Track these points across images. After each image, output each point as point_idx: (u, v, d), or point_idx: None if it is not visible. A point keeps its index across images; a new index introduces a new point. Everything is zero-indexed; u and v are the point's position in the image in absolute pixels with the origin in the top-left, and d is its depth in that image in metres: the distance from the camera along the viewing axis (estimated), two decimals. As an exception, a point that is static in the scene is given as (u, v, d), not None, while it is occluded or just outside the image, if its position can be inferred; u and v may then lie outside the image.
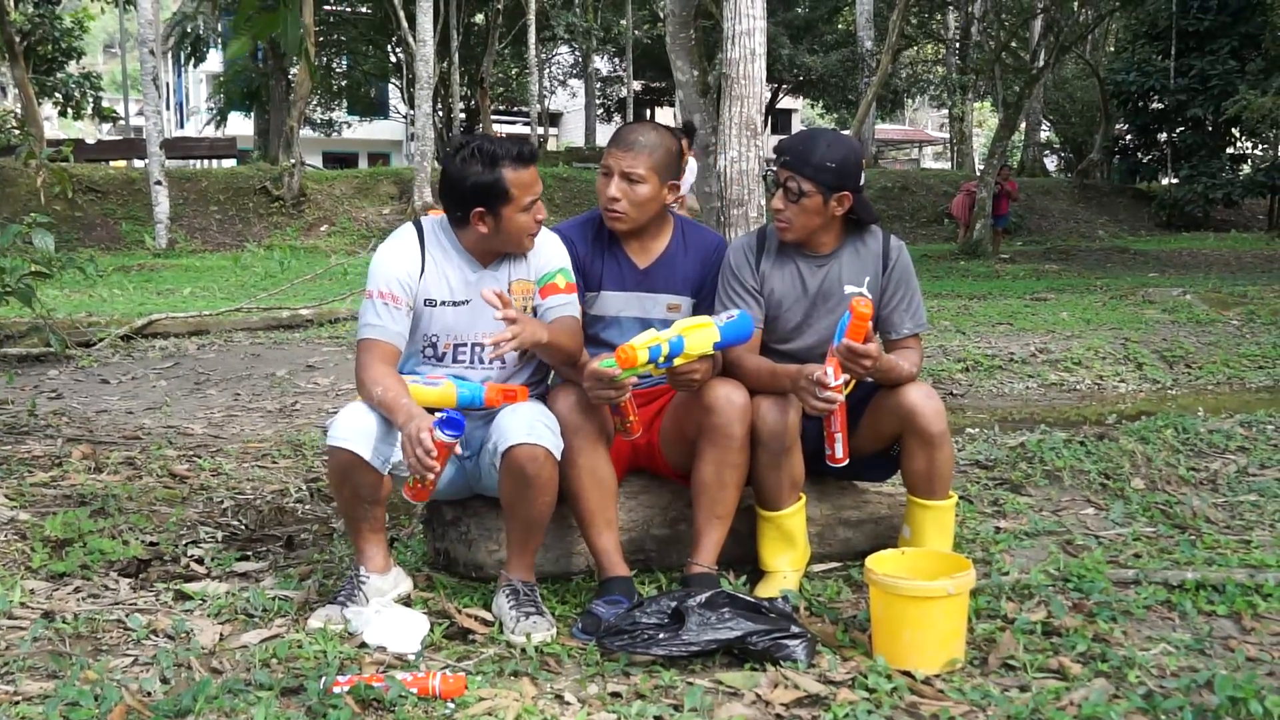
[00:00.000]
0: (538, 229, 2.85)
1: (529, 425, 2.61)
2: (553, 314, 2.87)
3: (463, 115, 26.92)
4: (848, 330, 2.68)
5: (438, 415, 2.52)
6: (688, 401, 2.85)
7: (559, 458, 2.65)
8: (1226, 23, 23.62)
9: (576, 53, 32.06)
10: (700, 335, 2.67)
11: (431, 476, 2.52)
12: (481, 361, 2.88)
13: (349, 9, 29.13)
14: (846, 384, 2.74)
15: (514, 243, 2.83)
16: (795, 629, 2.46)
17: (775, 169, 2.93)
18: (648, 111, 36.78)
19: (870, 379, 2.84)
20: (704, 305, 3.05)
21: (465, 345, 2.88)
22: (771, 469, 2.85)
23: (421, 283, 2.82)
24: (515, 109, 36.73)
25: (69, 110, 25.97)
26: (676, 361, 2.66)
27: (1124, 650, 2.47)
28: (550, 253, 2.93)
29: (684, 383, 2.75)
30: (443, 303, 2.84)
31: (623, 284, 3.05)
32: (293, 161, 20.58)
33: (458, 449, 2.68)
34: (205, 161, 28.32)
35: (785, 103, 35.81)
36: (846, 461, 2.79)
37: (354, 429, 2.61)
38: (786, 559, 2.95)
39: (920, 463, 2.89)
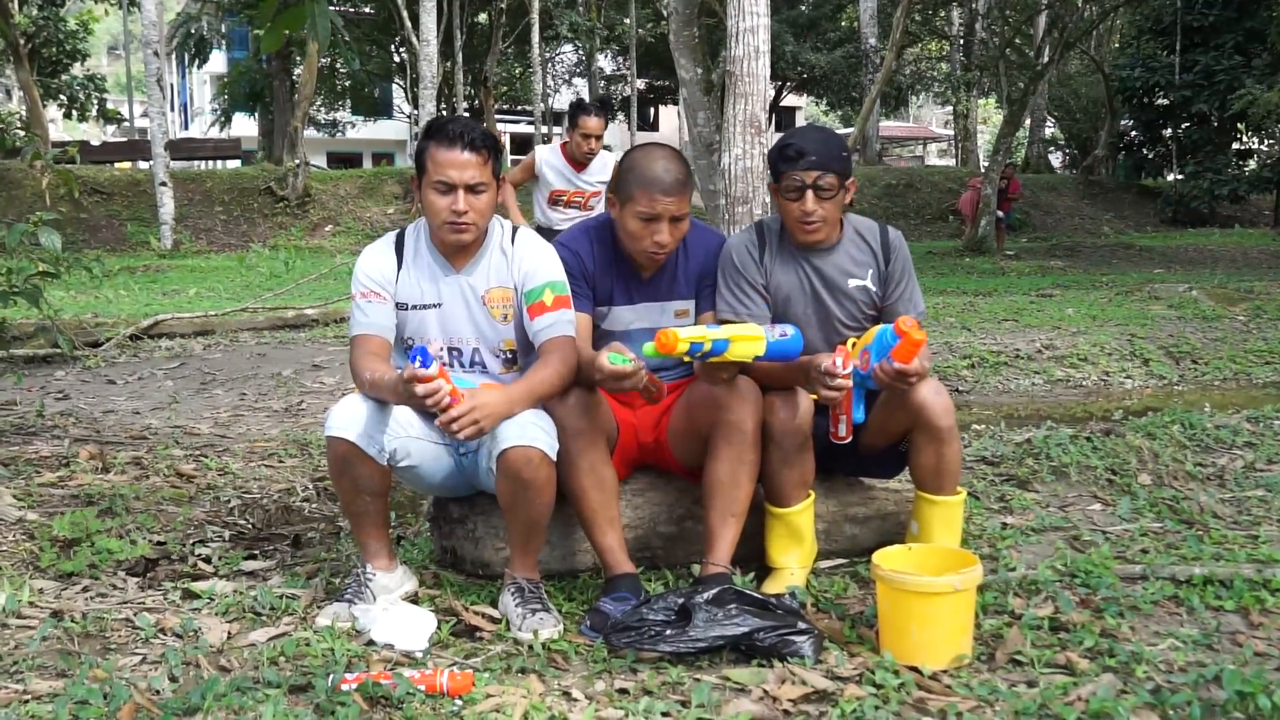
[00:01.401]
0: (453, 221, 2.72)
1: (522, 427, 2.60)
2: (543, 336, 2.79)
3: (467, 114, 26.92)
4: (898, 351, 2.66)
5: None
6: (699, 398, 2.84)
7: (554, 458, 2.64)
8: (1231, 18, 23.56)
9: (580, 51, 32.03)
10: (747, 346, 2.67)
11: (451, 399, 2.48)
12: (462, 365, 2.88)
13: (353, 9, 29.14)
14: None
15: (431, 224, 2.77)
16: (802, 625, 2.46)
17: (798, 174, 2.87)
18: (651, 110, 36.74)
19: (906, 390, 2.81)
20: (703, 302, 3.04)
21: (441, 348, 2.87)
22: (783, 466, 2.85)
23: (397, 286, 2.83)
24: (519, 108, 36.70)
25: (73, 112, 26.06)
26: (716, 360, 2.67)
27: (1131, 645, 2.46)
28: (535, 261, 2.85)
29: (713, 377, 2.77)
30: (414, 306, 2.84)
31: (630, 297, 3.02)
32: (297, 162, 20.61)
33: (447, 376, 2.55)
34: (210, 162, 28.38)
35: (789, 100, 35.75)
36: (849, 439, 2.81)
37: (348, 418, 2.63)
38: (794, 555, 2.95)
39: (929, 458, 2.88)
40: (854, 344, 2.89)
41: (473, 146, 2.71)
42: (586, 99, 6.16)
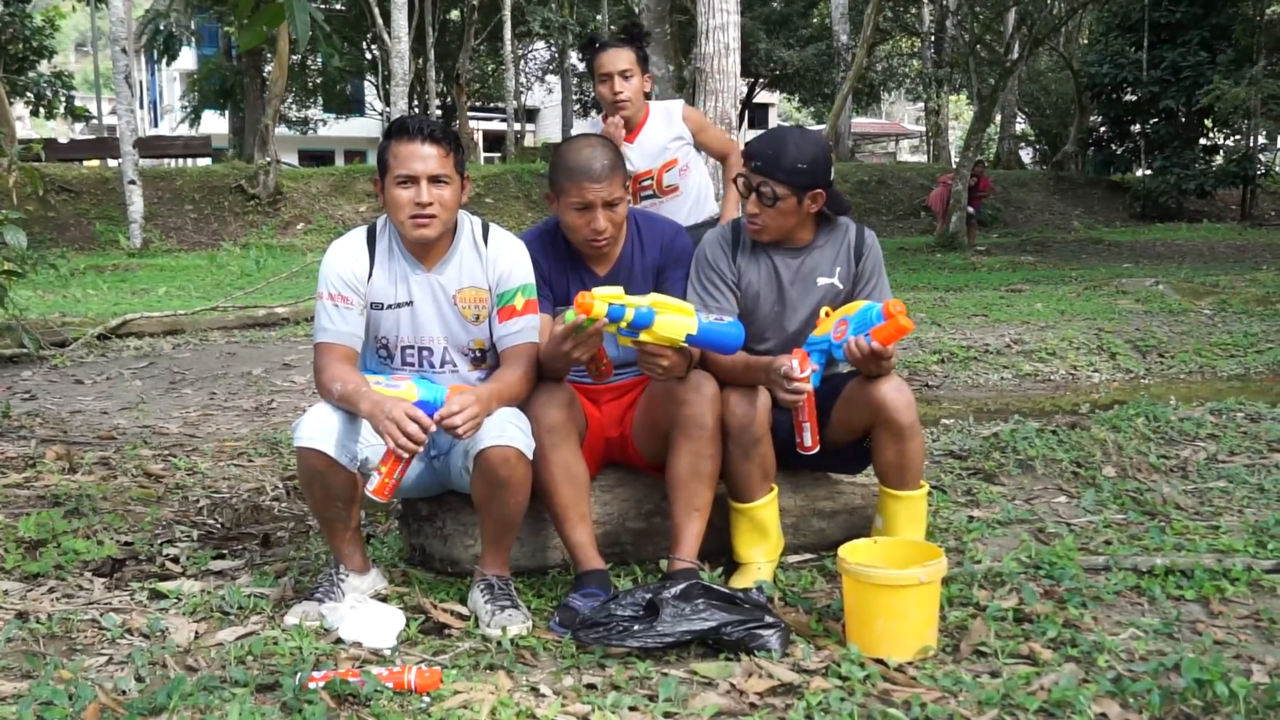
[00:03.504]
0: (417, 214, 2.70)
1: (500, 426, 2.61)
2: (508, 341, 2.81)
3: (439, 112, 26.83)
4: (880, 331, 2.70)
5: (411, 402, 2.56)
6: (659, 393, 2.86)
7: (530, 457, 2.65)
8: (1198, 14, 23.85)
9: (553, 48, 32.00)
10: (675, 320, 2.64)
11: (407, 456, 2.51)
12: (432, 365, 2.87)
13: (323, 6, 29.00)
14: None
15: (395, 221, 2.74)
16: (769, 619, 2.48)
17: (746, 173, 2.93)
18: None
19: (872, 373, 2.85)
20: (664, 291, 3.03)
21: (413, 348, 2.86)
22: (743, 460, 2.87)
23: (369, 285, 2.80)
24: (492, 105, 36.63)
25: (41, 109, 25.73)
26: (643, 336, 2.64)
27: (1094, 635, 2.50)
28: (511, 262, 2.85)
29: (650, 365, 2.70)
30: (387, 306, 2.82)
31: None
32: (268, 159, 20.46)
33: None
34: (179, 160, 28.10)
35: (762, 97, 35.84)
36: (816, 449, 2.81)
37: (319, 428, 2.61)
38: (760, 550, 2.97)
39: (891, 454, 2.91)
40: (827, 312, 2.94)
41: (433, 139, 2.71)
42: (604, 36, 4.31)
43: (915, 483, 2.95)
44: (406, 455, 2.51)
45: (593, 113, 31.42)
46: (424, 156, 2.69)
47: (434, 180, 2.70)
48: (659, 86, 7.95)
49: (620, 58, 3.90)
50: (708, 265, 3.01)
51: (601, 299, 2.58)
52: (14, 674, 2.35)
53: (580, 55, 4.28)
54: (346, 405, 2.64)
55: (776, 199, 2.89)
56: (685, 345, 2.70)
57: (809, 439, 2.79)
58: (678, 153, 4.09)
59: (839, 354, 2.83)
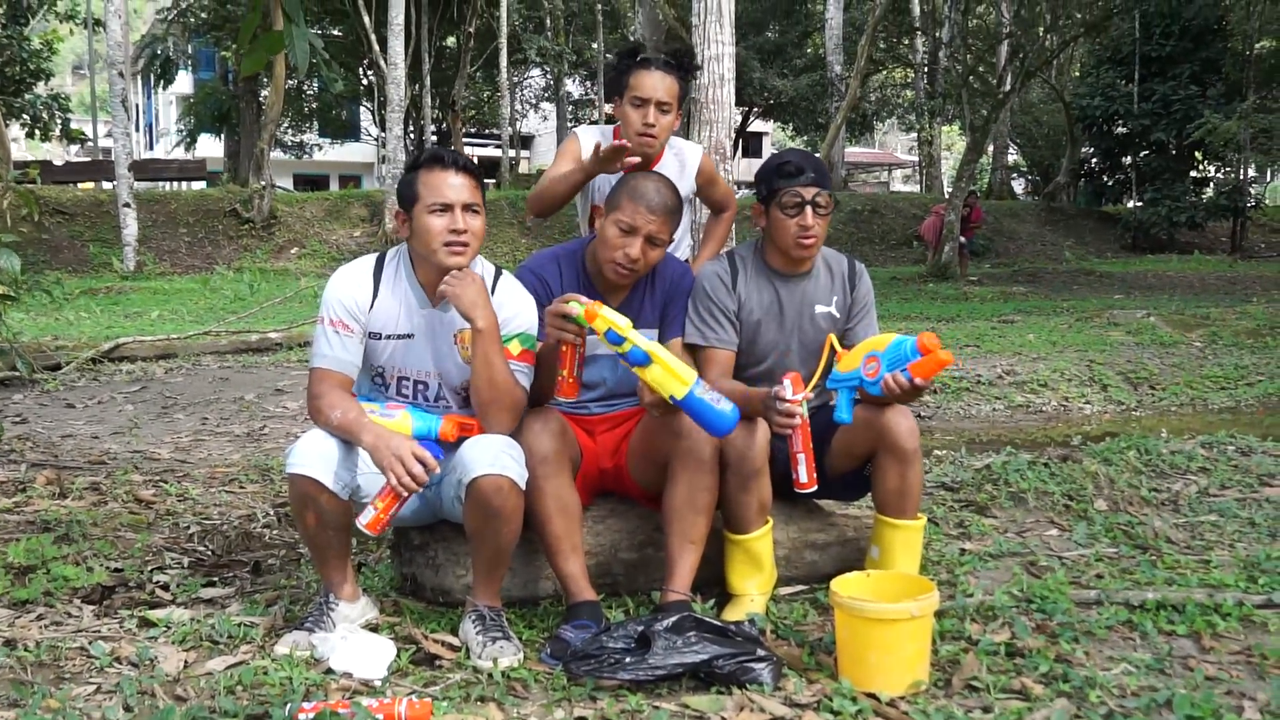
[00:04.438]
0: (453, 240, 2.69)
1: (493, 455, 2.60)
2: None
3: (434, 138, 26.91)
4: (920, 366, 2.70)
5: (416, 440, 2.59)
6: (657, 425, 2.86)
7: (524, 487, 2.64)
8: (1188, 48, 24.08)
9: (548, 76, 32.16)
10: (667, 376, 2.63)
11: (406, 494, 2.53)
12: (427, 399, 2.87)
13: (319, 32, 29.12)
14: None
15: (426, 250, 2.72)
16: (761, 652, 2.47)
17: (799, 189, 2.95)
18: (619, 134, 36.66)
19: (895, 401, 2.86)
20: (667, 330, 3.07)
21: (409, 380, 2.86)
22: (740, 491, 2.87)
23: (371, 314, 2.80)
24: (487, 131, 36.76)
25: (36, 131, 25.73)
26: (636, 371, 2.66)
27: (1086, 670, 2.49)
28: (515, 310, 2.83)
29: (643, 398, 2.75)
30: (388, 336, 2.82)
31: None
32: (263, 184, 20.51)
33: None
34: (174, 183, 28.16)
35: (756, 125, 36.03)
36: (814, 487, 2.80)
37: (314, 455, 2.60)
38: (754, 582, 2.96)
39: (893, 480, 2.92)
40: (836, 347, 2.92)
41: (466, 170, 2.74)
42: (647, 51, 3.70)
43: (914, 512, 2.96)
44: (406, 494, 2.51)
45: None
46: (457, 186, 2.71)
47: (467, 209, 2.72)
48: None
49: (664, 87, 3.34)
50: (706, 296, 3.04)
51: (606, 320, 2.61)
52: (2, 702, 2.33)
53: (617, 62, 3.59)
54: (345, 434, 2.64)
55: (828, 208, 2.98)
56: (666, 397, 2.67)
57: (804, 475, 2.77)
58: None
59: (874, 390, 2.79)
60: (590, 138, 3.47)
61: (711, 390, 2.67)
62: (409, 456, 2.50)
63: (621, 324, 2.63)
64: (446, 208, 2.70)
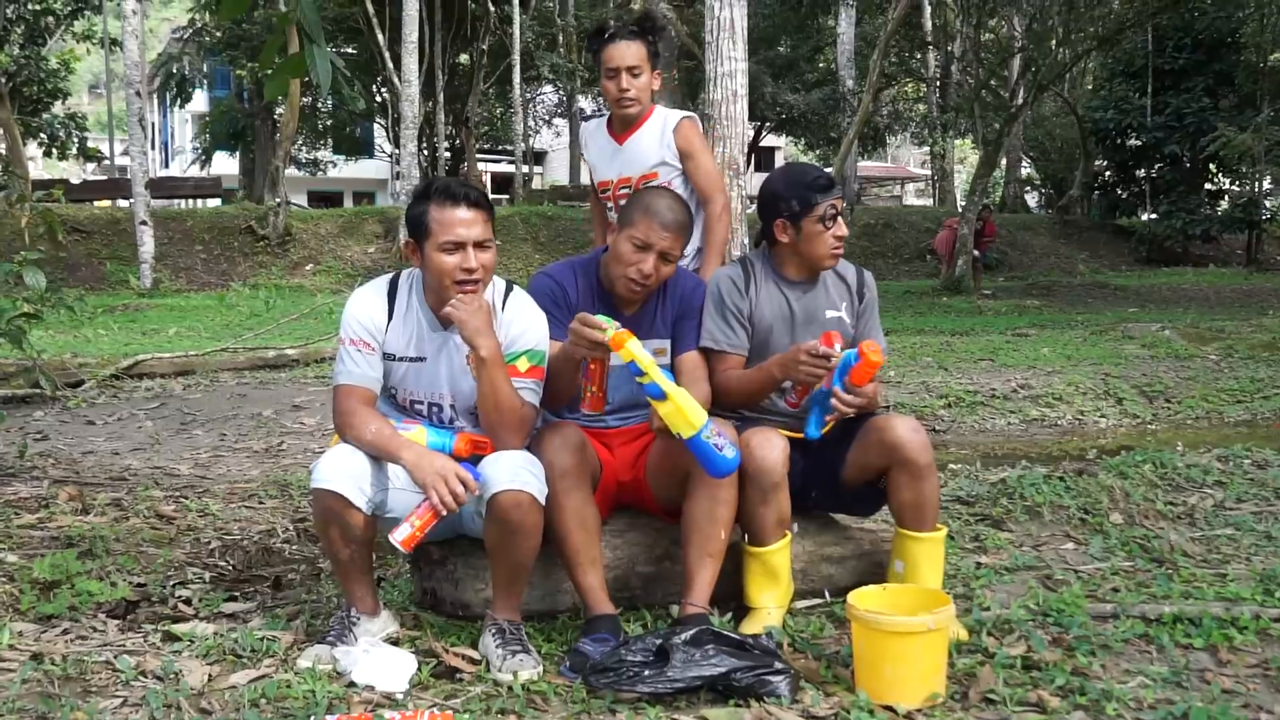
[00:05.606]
0: (464, 279, 2.71)
1: (513, 471, 2.63)
2: None
3: (448, 154, 27.04)
4: (855, 373, 2.83)
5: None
6: (675, 440, 2.88)
7: (543, 502, 2.66)
8: (1201, 61, 24.05)
9: (561, 92, 32.27)
10: (678, 416, 2.66)
11: (446, 514, 2.57)
12: (440, 422, 2.89)
13: (334, 49, 29.32)
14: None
15: (438, 285, 2.74)
16: (779, 665, 2.49)
17: (834, 200, 3.05)
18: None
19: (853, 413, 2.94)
20: (679, 343, 3.10)
21: (421, 402, 2.89)
22: (760, 504, 2.90)
23: (386, 335, 2.83)
24: (500, 148, 36.89)
25: (54, 150, 25.97)
26: (650, 401, 2.70)
27: (1102, 683, 2.50)
28: (525, 326, 2.86)
29: (654, 427, 2.80)
30: (400, 358, 2.85)
31: None
32: (278, 201, 20.64)
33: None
34: (190, 201, 28.36)
35: (768, 140, 36.07)
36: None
37: (340, 471, 2.63)
38: (771, 595, 2.98)
39: (908, 494, 2.95)
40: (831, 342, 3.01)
41: (477, 205, 2.74)
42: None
43: (932, 523, 2.99)
44: (446, 513, 2.55)
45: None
46: (469, 222, 2.71)
47: (478, 245, 2.73)
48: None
49: (630, 52, 3.53)
50: (720, 301, 3.10)
51: (631, 353, 2.63)
52: (30, 716, 2.36)
53: (587, 45, 4.02)
54: (381, 451, 2.67)
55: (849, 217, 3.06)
56: (674, 432, 2.72)
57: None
58: (658, 169, 3.65)
59: (827, 406, 2.92)
60: (589, 133, 3.81)
61: (719, 434, 2.70)
62: (452, 476, 2.55)
63: (645, 360, 2.66)
64: (458, 246, 2.71)
